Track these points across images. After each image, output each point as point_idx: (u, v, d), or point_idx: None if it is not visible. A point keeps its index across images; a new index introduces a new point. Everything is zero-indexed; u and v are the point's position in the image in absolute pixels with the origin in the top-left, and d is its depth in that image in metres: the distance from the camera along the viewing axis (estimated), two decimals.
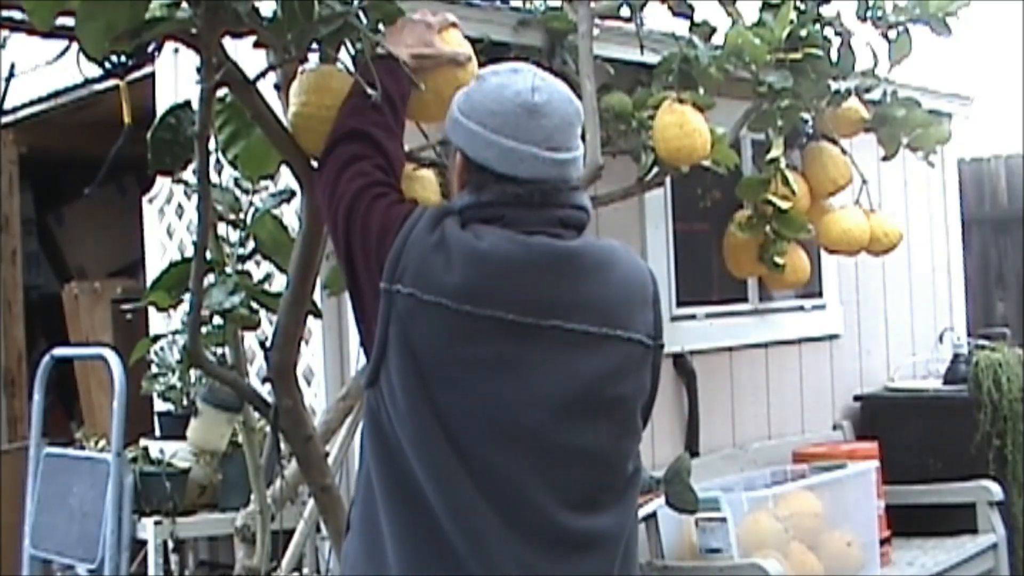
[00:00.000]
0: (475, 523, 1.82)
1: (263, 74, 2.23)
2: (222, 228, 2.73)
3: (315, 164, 2.25)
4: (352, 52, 2.32)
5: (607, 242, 2.01)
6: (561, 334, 1.86)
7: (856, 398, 5.89)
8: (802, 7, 4.34)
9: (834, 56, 4.47)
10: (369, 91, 2.07)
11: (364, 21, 2.24)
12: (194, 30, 2.04)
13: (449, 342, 1.83)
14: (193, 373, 4.00)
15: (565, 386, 1.86)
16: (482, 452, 1.83)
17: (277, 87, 2.35)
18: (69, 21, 1.89)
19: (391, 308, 1.84)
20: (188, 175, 2.69)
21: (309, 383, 4.17)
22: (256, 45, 2.23)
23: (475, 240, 1.86)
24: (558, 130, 1.93)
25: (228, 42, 2.14)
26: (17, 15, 2.03)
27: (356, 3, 2.19)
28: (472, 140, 1.94)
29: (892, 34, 4.57)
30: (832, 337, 5.84)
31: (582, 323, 1.87)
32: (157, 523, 4.12)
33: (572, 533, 1.87)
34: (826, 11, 4.41)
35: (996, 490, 5.24)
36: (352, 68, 2.30)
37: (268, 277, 2.89)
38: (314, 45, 2.26)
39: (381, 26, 2.25)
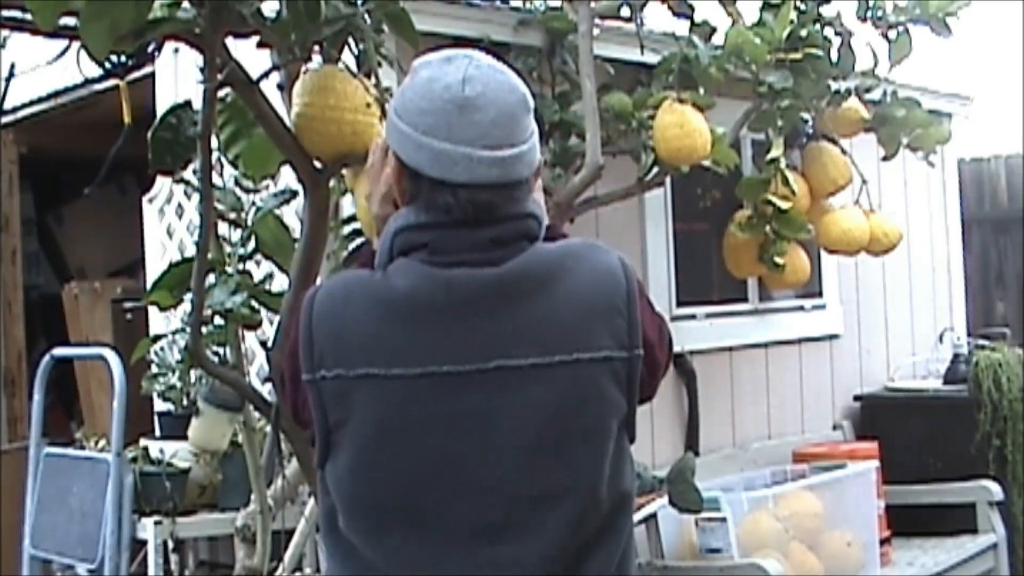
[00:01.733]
0: None
1: (266, 74, 2.24)
2: (223, 228, 2.73)
3: (318, 164, 2.25)
4: (355, 53, 2.33)
5: (557, 250, 1.75)
6: (508, 374, 1.66)
7: (856, 398, 5.89)
8: (802, 7, 4.34)
9: (834, 56, 4.47)
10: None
11: (368, 21, 2.24)
12: (198, 30, 2.04)
13: (392, 410, 1.66)
14: (193, 373, 4.00)
15: (526, 429, 1.67)
16: (448, 515, 1.67)
17: (280, 87, 2.35)
18: (71, 21, 1.89)
19: (320, 396, 1.67)
20: (188, 175, 2.70)
21: None
22: (260, 45, 2.23)
23: (388, 289, 1.69)
24: (496, 125, 1.69)
25: (230, 42, 2.14)
26: (20, 15, 2.03)
27: (360, 4, 2.20)
28: (404, 143, 1.72)
29: (892, 34, 4.58)
30: (832, 337, 5.85)
31: (528, 355, 1.66)
32: (157, 523, 4.12)
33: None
34: (826, 11, 4.42)
35: (996, 490, 5.25)
36: (356, 68, 2.31)
37: (269, 277, 2.89)
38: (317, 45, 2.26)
39: (385, 26, 2.25)
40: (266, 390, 2.68)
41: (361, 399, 1.66)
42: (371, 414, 1.66)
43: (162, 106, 3.06)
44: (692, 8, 4.28)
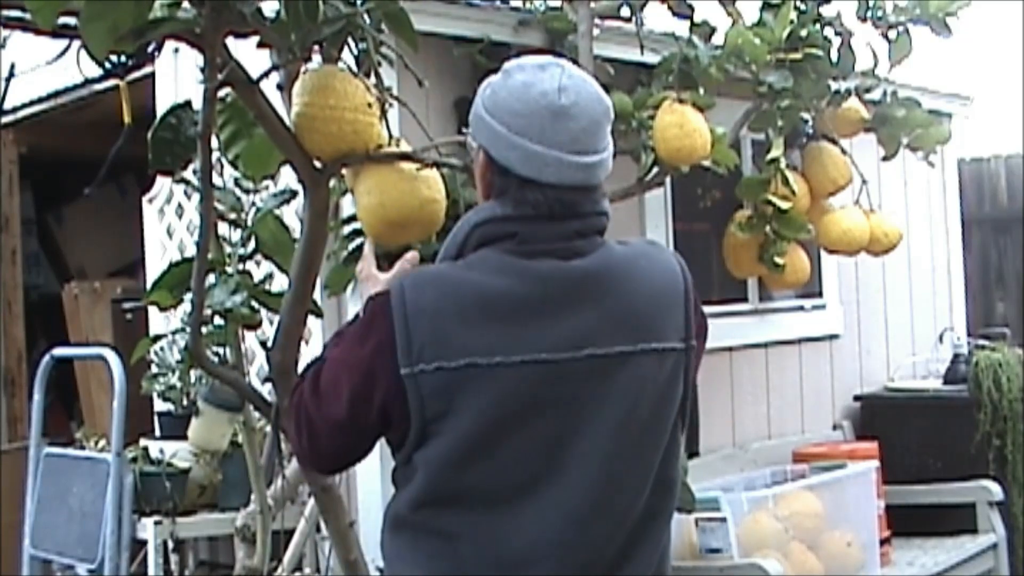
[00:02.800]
0: (532, 562, 1.79)
1: (266, 74, 2.23)
2: (223, 228, 2.74)
3: (318, 164, 2.25)
4: (355, 52, 2.33)
5: (629, 247, 1.92)
6: (597, 361, 1.80)
7: (856, 398, 5.89)
8: (802, 7, 4.34)
9: (834, 56, 4.47)
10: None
11: (367, 21, 2.24)
12: (198, 30, 2.04)
13: (495, 398, 1.77)
14: (193, 373, 4.00)
15: (614, 414, 1.81)
16: (543, 495, 1.78)
17: (280, 87, 2.35)
18: (71, 20, 1.89)
19: (419, 388, 1.76)
20: (188, 175, 2.70)
21: None
22: (260, 45, 2.23)
23: (485, 283, 1.80)
24: (585, 132, 1.84)
25: (230, 42, 2.14)
26: (20, 14, 2.03)
27: (360, 4, 2.19)
28: (495, 140, 1.85)
29: (892, 34, 4.57)
30: (832, 337, 5.85)
31: (614, 344, 1.81)
32: (157, 523, 4.12)
33: (624, 562, 1.84)
34: (826, 11, 4.42)
35: (996, 490, 5.25)
36: (355, 68, 2.31)
37: (269, 277, 2.89)
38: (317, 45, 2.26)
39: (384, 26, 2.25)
40: (266, 390, 2.67)
41: (464, 390, 1.76)
42: (474, 403, 1.76)
43: (162, 106, 3.06)
44: (692, 8, 4.28)
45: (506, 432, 1.78)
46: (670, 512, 1.92)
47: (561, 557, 1.79)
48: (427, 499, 1.81)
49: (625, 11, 4.27)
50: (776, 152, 4.53)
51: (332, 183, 2.42)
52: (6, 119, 5.58)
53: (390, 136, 2.36)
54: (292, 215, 3.50)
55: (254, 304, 2.61)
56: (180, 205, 4.86)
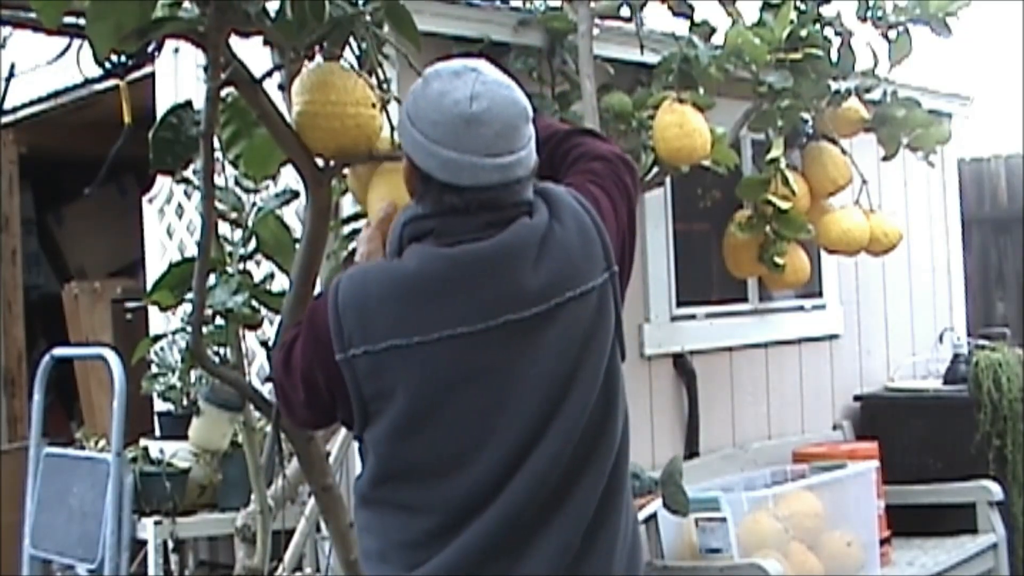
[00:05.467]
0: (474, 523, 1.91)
1: (269, 73, 2.23)
2: (223, 228, 2.73)
3: (320, 163, 2.26)
4: (357, 52, 2.33)
5: (543, 212, 1.98)
6: (515, 326, 1.90)
7: (856, 398, 5.89)
8: (802, 7, 4.34)
9: (834, 56, 4.47)
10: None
11: (370, 20, 2.24)
12: (201, 29, 2.04)
13: (420, 374, 1.89)
14: (193, 373, 4.00)
15: (539, 373, 1.91)
16: (480, 458, 1.90)
17: (282, 87, 2.35)
18: (75, 19, 1.89)
19: (354, 372, 1.91)
20: (189, 175, 2.70)
21: None
22: (265, 43, 2.23)
23: (401, 270, 1.93)
24: (500, 136, 1.92)
25: (232, 41, 2.14)
26: (23, 14, 2.04)
27: (363, 3, 2.19)
28: (416, 148, 1.96)
29: (892, 34, 4.58)
30: (832, 337, 5.85)
31: (532, 306, 1.91)
32: (157, 523, 4.12)
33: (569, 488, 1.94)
34: (826, 11, 4.42)
35: (996, 490, 5.25)
36: (357, 66, 2.31)
37: (269, 277, 2.89)
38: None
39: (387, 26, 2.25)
40: (266, 390, 2.67)
41: (391, 370, 1.89)
42: (401, 381, 1.89)
43: (162, 106, 3.07)
44: (692, 8, 4.28)
45: (439, 405, 1.90)
46: (618, 434, 2.00)
47: (496, 506, 1.89)
48: (381, 476, 1.96)
49: (625, 11, 4.27)
50: (776, 152, 4.53)
51: (333, 183, 2.42)
52: (6, 119, 5.59)
53: (392, 129, 2.37)
54: (293, 215, 3.50)
55: (255, 304, 2.61)
56: (180, 205, 4.86)
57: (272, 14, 2.13)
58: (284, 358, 2.05)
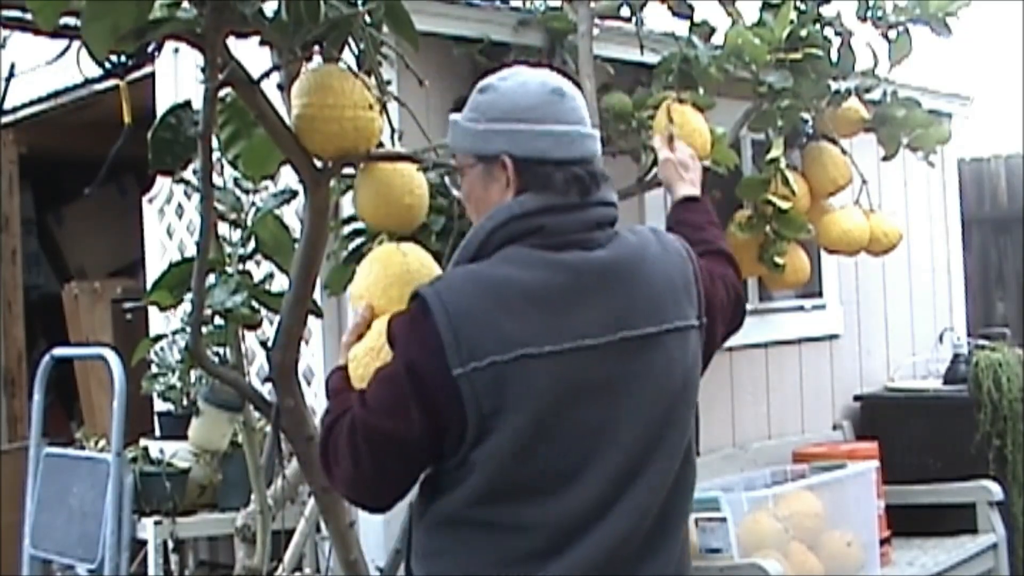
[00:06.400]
0: (583, 534, 1.86)
1: (267, 74, 2.23)
2: (223, 228, 2.74)
3: (318, 164, 2.26)
4: (356, 53, 2.33)
5: (638, 236, 2.01)
6: (630, 343, 1.89)
7: (856, 398, 5.89)
8: (802, 7, 4.34)
9: (834, 56, 4.46)
10: None
11: (368, 21, 2.24)
12: (199, 30, 2.04)
13: (545, 387, 1.82)
14: (193, 373, 4.00)
15: (652, 391, 1.91)
16: (595, 472, 1.86)
17: (281, 87, 2.35)
18: (72, 20, 1.89)
19: (474, 388, 1.80)
20: (188, 175, 2.70)
21: (309, 383, 4.17)
22: (262, 44, 2.23)
23: (521, 276, 1.86)
24: (583, 108, 2.01)
25: (231, 42, 2.14)
26: (20, 14, 2.03)
27: (361, 3, 2.19)
28: (517, 139, 1.95)
29: (892, 34, 4.57)
30: (832, 337, 5.84)
31: (643, 326, 1.91)
32: (157, 523, 4.12)
33: (659, 531, 1.94)
34: (826, 11, 4.41)
35: (996, 490, 5.24)
36: (356, 68, 2.31)
37: (269, 277, 2.89)
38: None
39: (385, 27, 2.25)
40: (266, 390, 2.67)
41: (517, 381, 1.81)
42: (529, 394, 1.82)
43: (162, 106, 3.06)
44: (692, 8, 4.27)
45: (558, 419, 1.83)
46: (693, 483, 2.02)
47: (600, 532, 1.85)
48: (486, 495, 1.85)
49: (625, 11, 4.26)
50: (776, 152, 4.52)
51: (332, 183, 2.42)
52: (6, 119, 5.59)
53: (392, 130, 2.37)
54: (292, 215, 3.50)
55: (254, 304, 2.61)
56: (180, 205, 4.85)
57: (269, 15, 2.13)
58: (360, 405, 1.90)
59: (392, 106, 2.41)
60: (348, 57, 2.35)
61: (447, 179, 2.10)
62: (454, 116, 2.06)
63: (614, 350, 1.87)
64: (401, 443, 1.86)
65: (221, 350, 2.80)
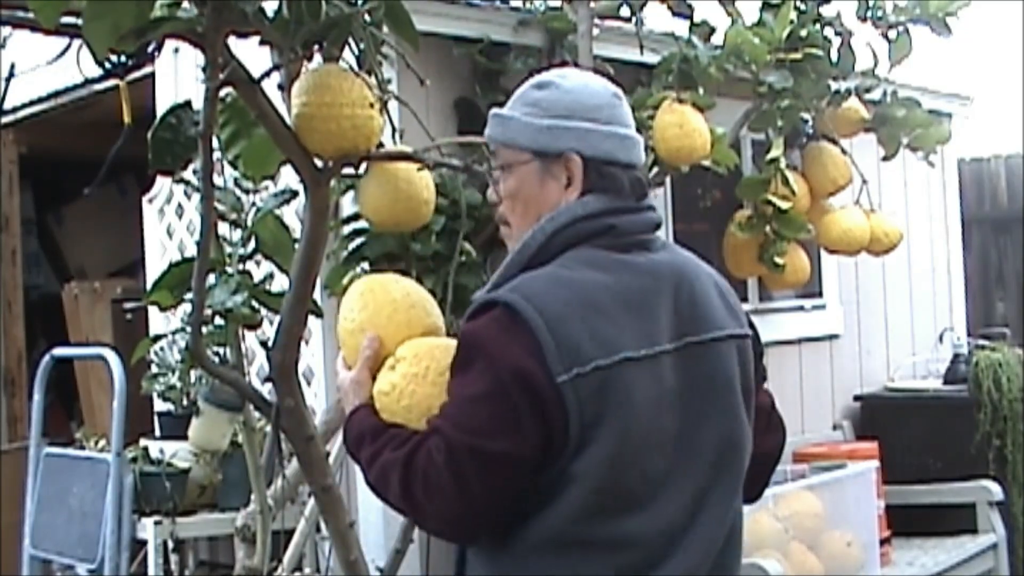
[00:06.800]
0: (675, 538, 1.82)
1: (267, 73, 2.23)
2: (223, 228, 2.73)
3: (319, 163, 2.26)
4: (356, 52, 2.33)
5: (673, 245, 2.02)
6: (695, 348, 1.86)
7: (856, 398, 5.89)
8: (802, 7, 4.34)
9: (834, 56, 4.47)
10: None
11: (368, 21, 2.24)
12: (199, 29, 2.04)
13: (642, 392, 1.77)
14: (193, 373, 4.00)
15: (723, 395, 1.88)
16: (681, 480, 1.82)
17: (281, 87, 2.35)
18: (73, 19, 1.89)
19: (578, 395, 1.72)
20: (188, 175, 2.70)
21: (309, 383, 4.17)
22: (262, 43, 2.23)
23: (605, 279, 1.81)
24: (631, 114, 1.98)
25: (231, 41, 2.14)
26: (21, 13, 2.03)
27: (361, 3, 2.19)
28: (587, 138, 1.90)
29: (892, 34, 4.57)
30: (832, 337, 5.84)
31: (705, 332, 1.88)
32: (157, 523, 4.12)
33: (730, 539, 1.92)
34: (826, 11, 4.42)
35: (996, 490, 5.25)
36: (356, 67, 2.31)
37: (269, 277, 2.89)
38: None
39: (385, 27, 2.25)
40: (266, 390, 2.67)
41: (618, 387, 1.74)
42: (628, 399, 1.75)
43: (162, 106, 3.06)
44: (692, 8, 4.27)
45: (648, 427, 1.78)
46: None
47: (690, 541, 1.82)
48: (586, 509, 1.75)
49: (625, 11, 4.26)
50: (776, 152, 4.52)
51: (332, 183, 2.42)
52: (6, 119, 5.58)
53: (394, 129, 2.37)
54: (292, 215, 3.50)
55: (254, 304, 2.61)
56: (180, 205, 4.85)
57: (270, 14, 2.13)
58: (453, 429, 1.74)
59: (393, 105, 2.41)
60: (349, 57, 2.35)
61: (489, 175, 2.00)
62: (502, 110, 1.98)
63: (683, 356, 1.83)
64: (516, 463, 1.74)
65: (221, 350, 2.80)
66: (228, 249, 2.69)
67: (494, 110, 2.00)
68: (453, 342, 1.89)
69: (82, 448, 4.61)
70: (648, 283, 1.84)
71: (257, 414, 3.05)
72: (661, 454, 1.79)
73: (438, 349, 1.92)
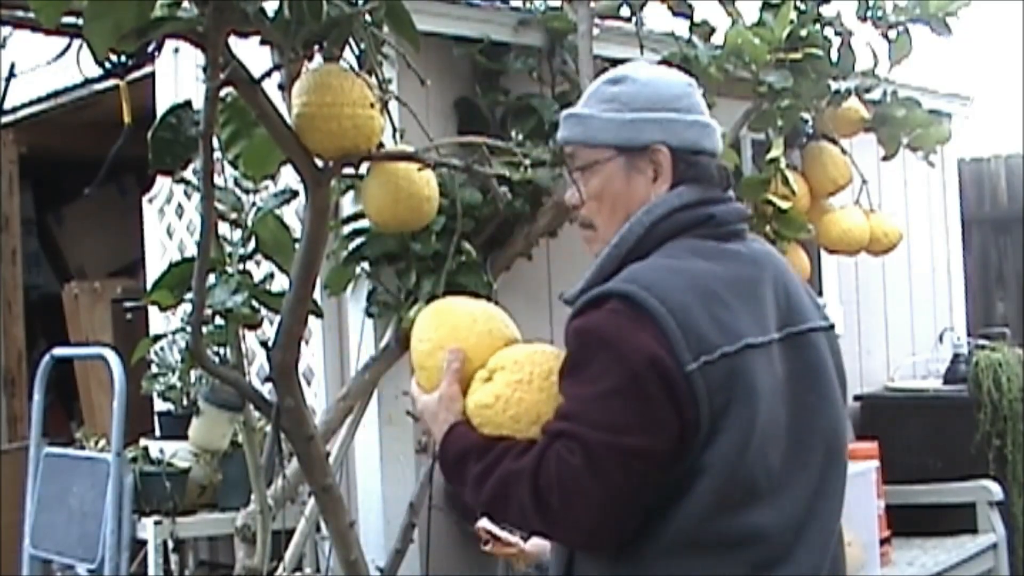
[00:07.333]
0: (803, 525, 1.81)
1: (268, 73, 2.23)
2: (223, 228, 2.73)
3: (319, 163, 2.26)
4: (356, 52, 2.33)
5: (758, 237, 2.03)
6: (798, 338, 1.85)
7: (856, 398, 5.88)
8: (802, 7, 4.34)
9: (834, 56, 4.47)
10: None
11: (369, 20, 2.24)
12: (200, 29, 2.04)
13: (766, 380, 1.75)
14: (193, 373, 4.00)
15: (829, 384, 1.88)
16: (801, 472, 1.82)
17: (281, 87, 2.35)
18: (74, 19, 1.89)
19: (707, 383, 1.68)
20: (188, 175, 2.70)
21: (309, 383, 4.17)
22: (263, 43, 2.23)
23: (717, 269, 1.79)
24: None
25: (231, 41, 2.14)
26: (22, 14, 2.03)
27: (362, 3, 2.19)
28: (671, 128, 1.87)
29: (892, 34, 4.57)
30: None
31: (801, 322, 1.87)
32: (157, 523, 4.12)
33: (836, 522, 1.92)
34: (826, 11, 4.42)
35: (996, 490, 5.25)
36: (356, 67, 2.31)
37: (269, 277, 2.89)
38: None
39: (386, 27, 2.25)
40: (267, 390, 2.67)
41: (743, 374, 1.71)
42: (752, 386, 1.72)
43: (162, 106, 3.06)
44: (692, 8, 4.28)
45: (768, 416, 1.74)
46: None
47: (812, 534, 1.82)
48: (717, 504, 1.71)
49: (625, 11, 4.26)
50: (776, 152, 4.52)
51: (332, 183, 2.42)
52: (6, 119, 5.58)
53: (394, 129, 2.37)
54: (292, 215, 3.50)
55: (255, 304, 2.61)
56: (180, 205, 4.85)
57: (271, 14, 2.13)
58: (588, 427, 1.68)
59: (393, 105, 2.41)
60: (349, 57, 2.35)
61: (569, 177, 1.96)
62: (577, 109, 1.95)
63: (787, 346, 1.82)
64: (657, 457, 1.69)
65: (221, 350, 2.80)
66: (228, 249, 2.69)
67: (567, 110, 1.96)
68: (547, 346, 1.87)
69: (82, 448, 4.61)
70: (753, 272, 1.83)
71: (257, 414, 3.05)
72: (778, 445, 1.76)
73: (537, 354, 1.86)
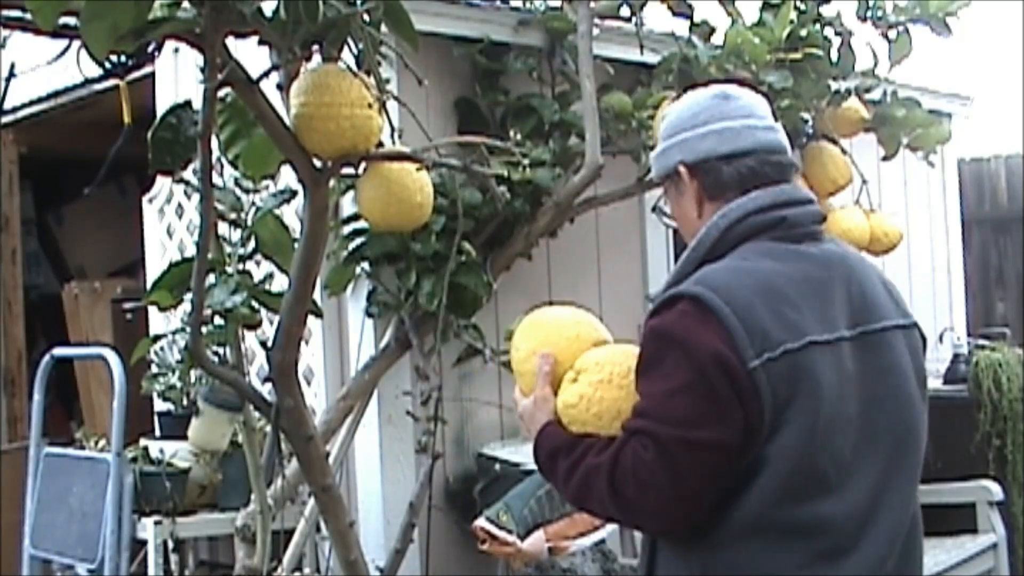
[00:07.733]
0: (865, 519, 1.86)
1: (266, 74, 2.23)
2: (223, 228, 2.73)
3: (318, 163, 2.26)
4: (355, 52, 2.33)
5: (837, 239, 2.07)
6: (871, 337, 1.91)
7: None
8: (802, 7, 4.34)
9: (834, 56, 4.47)
10: None
11: (367, 21, 2.24)
12: (198, 30, 2.04)
13: (830, 376, 1.83)
14: (193, 373, 3.99)
15: (903, 383, 1.94)
16: (866, 464, 1.87)
17: (280, 87, 2.36)
18: (72, 20, 1.89)
19: (770, 378, 1.78)
20: (188, 175, 2.70)
21: (309, 383, 4.17)
22: (261, 43, 2.23)
23: (783, 268, 1.87)
24: (757, 106, 2.02)
25: (230, 42, 2.14)
26: (20, 14, 2.03)
27: (360, 3, 2.19)
28: (686, 146, 2.00)
29: (892, 34, 4.57)
30: None
31: (876, 321, 1.93)
32: (157, 523, 4.12)
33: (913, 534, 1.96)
34: (826, 11, 4.42)
35: (996, 490, 5.24)
36: (355, 67, 2.31)
37: (269, 277, 2.89)
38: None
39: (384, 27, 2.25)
40: (266, 390, 2.67)
41: (806, 369, 1.79)
42: (817, 382, 1.80)
43: (162, 106, 3.06)
44: (692, 8, 4.28)
45: (834, 411, 1.82)
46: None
47: (876, 528, 1.86)
48: (781, 494, 1.80)
49: (625, 11, 4.26)
50: None
51: (332, 183, 2.42)
52: (6, 119, 5.58)
53: (392, 129, 2.37)
54: (292, 215, 3.50)
55: (254, 304, 2.61)
56: (180, 205, 4.85)
57: (268, 14, 2.13)
58: (660, 423, 1.79)
59: (393, 105, 2.41)
60: (348, 57, 2.35)
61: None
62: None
63: (859, 344, 1.88)
64: (724, 449, 1.79)
65: (221, 350, 2.80)
66: (228, 249, 2.69)
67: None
68: (627, 346, 1.99)
69: (82, 448, 4.61)
70: (823, 272, 1.90)
71: (257, 414, 3.05)
72: (845, 439, 1.83)
73: (617, 354, 1.99)
